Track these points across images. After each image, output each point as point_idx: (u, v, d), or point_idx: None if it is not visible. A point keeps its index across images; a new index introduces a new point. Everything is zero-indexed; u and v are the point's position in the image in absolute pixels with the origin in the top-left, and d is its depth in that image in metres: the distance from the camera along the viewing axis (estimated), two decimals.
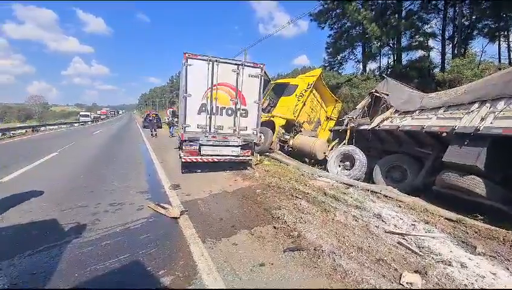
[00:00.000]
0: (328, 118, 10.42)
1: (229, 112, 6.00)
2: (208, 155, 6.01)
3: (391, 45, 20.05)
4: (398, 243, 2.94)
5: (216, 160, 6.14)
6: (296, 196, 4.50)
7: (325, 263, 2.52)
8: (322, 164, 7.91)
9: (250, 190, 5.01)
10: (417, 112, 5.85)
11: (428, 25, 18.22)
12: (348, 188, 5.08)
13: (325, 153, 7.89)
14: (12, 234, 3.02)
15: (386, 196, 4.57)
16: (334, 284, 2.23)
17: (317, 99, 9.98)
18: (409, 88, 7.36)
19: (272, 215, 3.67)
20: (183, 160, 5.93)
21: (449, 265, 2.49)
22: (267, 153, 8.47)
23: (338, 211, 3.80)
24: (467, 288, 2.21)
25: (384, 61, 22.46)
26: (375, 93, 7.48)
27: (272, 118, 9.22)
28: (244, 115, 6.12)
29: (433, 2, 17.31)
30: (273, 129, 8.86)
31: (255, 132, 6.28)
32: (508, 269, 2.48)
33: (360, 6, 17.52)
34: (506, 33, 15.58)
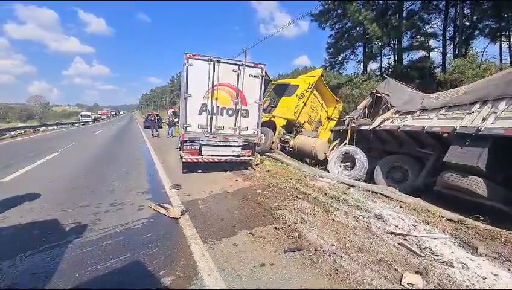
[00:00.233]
0: (328, 118, 10.40)
1: (230, 112, 6.00)
2: (208, 155, 6.01)
3: (392, 45, 20.06)
4: (399, 243, 2.93)
5: (217, 160, 6.14)
6: (296, 197, 4.49)
7: (325, 263, 2.51)
8: (323, 164, 7.90)
9: (250, 190, 5.01)
10: (418, 112, 5.83)
11: (429, 25, 18.25)
12: (349, 188, 5.07)
13: (325, 153, 7.88)
14: (13, 233, 3.03)
15: (387, 197, 4.56)
16: (335, 284, 2.22)
17: (318, 100, 9.97)
18: (410, 88, 7.35)
19: (273, 215, 3.67)
20: (184, 160, 5.93)
21: (450, 266, 2.48)
22: (268, 153, 8.47)
23: (339, 212, 3.80)
24: (468, 289, 2.20)
25: (385, 61, 22.49)
26: (376, 94, 7.47)
27: (272, 118, 9.22)
28: (244, 115, 6.12)
29: (434, 2, 17.31)
30: (274, 129, 8.86)
31: (255, 132, 6.28)
32: (509, 269, 2.47)
33: (361, 7, 17.52)
34: (507, 33, 15.54)
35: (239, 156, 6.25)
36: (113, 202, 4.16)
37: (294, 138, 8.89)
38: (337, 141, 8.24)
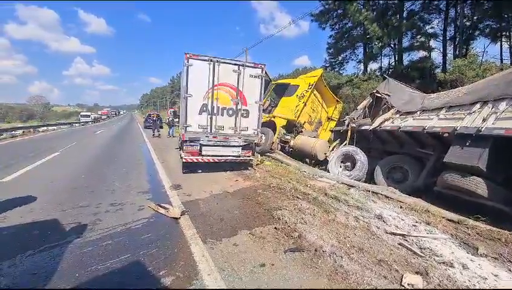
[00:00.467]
0: (329, 119, 10.40)
1: (230, 112, 6.00)
2: (208, 155, 6.01)
3: (392, 45, 20.04)
4: (399, 244, 2.93)
5: (217, 160, 6.15)
6: (296, 197, 4.49)
7: (325, 263, 2.51)
8: (323, 164, 7.89)
9: (251, 190, 5.01)
10: (418, 112, 5.83)
11: (430, 26, 18.23)
12: (349, 188, 5.07)
13: (326, 153, 7.87)
14: (13, 233, 3.03)
15: (387, 197, 4.55)
16: (335, 285, 2.22)
17: (318, 100, 9.96)
18: (410, 89, 7.34)
19: (273, 215, 3.67)
20: (184, 160, 5.94)
21: (451, 266, 2.48)
22: (268, 154, 8.47)
23: (339, 212, 3.79)
24: (468, 289, 2.19)
25: (385, 61, 22.48)
26: (377, 94, 7.47)
27: (272, 119, 9.22)
28: (245, 115, 6.12)
29: (435, 2, 17.30)
30: (274, 130, 8.86)
31: (256, 132, 6.27)
32: (510, 270, 2.47)
33: (361, 7, 17.51)
34: (508, 33, 15.52)
35: (239, 156, 6.26)
36: (113, 202, 4.16)
37: (294, 138, 8.89)
38: (337, 141, 8.23)
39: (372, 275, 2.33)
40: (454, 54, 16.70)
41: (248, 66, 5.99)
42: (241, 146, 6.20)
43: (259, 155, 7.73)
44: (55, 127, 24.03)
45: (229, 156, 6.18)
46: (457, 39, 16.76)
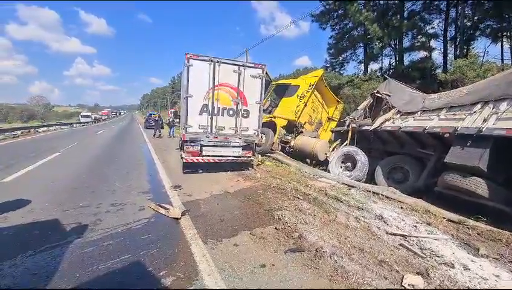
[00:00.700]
0: (329, 119, 10.40)
1: (231, 112, 6.01)
2: (209, 156, 6.02)
3: (393, 45, 20.01)
4: (400, 244, 2.92)
5: (217, 160, 6.15)
6: (297, 197, 4.49)
7: (326, 264, 2.51)
8: (324, 164, 7.89)
9: (251, 190, 5.01)
10: (419, 112, 5.82)
11: (431, 26, 18.21)
12: (350, 189, 5.06)
13: (326, 154, 7.87)
14: (14, 234, 3.04)
15: (388, 197, 4.54)
16: (335, 285, 2.22)
17: (318, 100, 9.96)
18: (411, 89, 7.33)
19: (273, 216, 3.67)
20: (185, 160, 5.94)
21: (452, 267, 2.47)
22: (269, 154, 8.47)
23: (339, 212, 3.79)
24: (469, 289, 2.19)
25: (386, 61, 22.47)
26: (377, 94, 7.45)
27: (273, 119, 9.22)
28: (245, 115, 6.12)
29: (435, 2, 17.28)
30: (275, 130, 8.86)
31: (256, 132, 6.28)
32: (511, 271, 2.46)
33: (362, 7, 17.51)
34: (509, 33, 15.49)
35: (240, 157, 6.26)
36: (114, 202, 4.17)
37: (294, 138, 8.89)
38: (337, 142, 8.22)
39: (373, 275, 2.33)
40: (455, 54, 16.67)
41: (248, 67, 5.99)
42: (241, 146, 6.20)
43: (259, 155, 7.73)
44: (56, 128, 24.07)
45: (230, 156, 6.19)
46: (458, 39, 16.73)
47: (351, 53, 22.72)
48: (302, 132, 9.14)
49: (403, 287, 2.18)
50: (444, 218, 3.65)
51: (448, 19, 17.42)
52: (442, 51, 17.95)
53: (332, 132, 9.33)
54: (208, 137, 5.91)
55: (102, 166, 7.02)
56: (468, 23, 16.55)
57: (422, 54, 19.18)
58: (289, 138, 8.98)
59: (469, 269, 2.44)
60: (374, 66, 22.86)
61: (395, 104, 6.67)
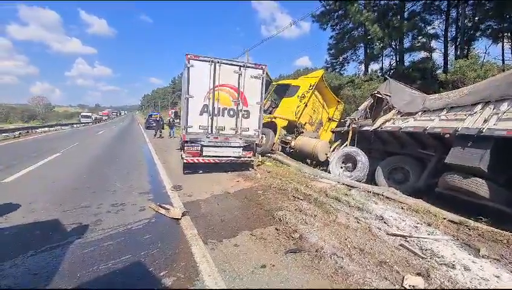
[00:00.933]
0: (330, 119, 10.39)
1: (231, 113, 6.01)
2: (209, 156, 6.02)
3: (393, 46, 20.00)
4: (400, 245, 2.92)
5: (218, 161, 6.16)
6: (297, 197, 4.49)
7: (326, 265, 2.51)
8: (324, 165, 7.88)
9: (251, 191, 5.01)
10: (419, 113, 5.82)
11: (431, 26, 18.18)
12: (350, 189, 5.06)
13: (326, 154, 7.86)
14: (15, 234, 3.05)
15: (388, 198, 4.54)
16: (336, 286, 2.22)
17: (319, 101, 9.96)
18: (412, 89, 7.33)
19: (274, 216, 3.67)
20: (185, 161, 5.95)
21: (452, 268, 2.47)
22: (269, 154, 8.47)
23: (340, 213, 3.79)
24: None
25: (386, 62, 22.42)
26: (378, 95, 7.45)
27: (273, 119, 9.22)
28: (246, 116, 6.13)
29: (436, 3, 17.27)
30: (275, 130, 8.86)
31: (256, 132, 6.28)
32: None
33: (362, 8, 17.50)
34: (509, 34, 15.47)
35: (240, 157, 6.26)
36: (115, 202, 4.17)
37: (295, 138, 8.88)
38: (338, 142, 8.22)
39: (373, 276, 2.32)
40: (456, 54, 16.64)
41: (249, 67, 6.00)
42: (242, 147, 6.21)
43: (260, 156, 7.73)
44: (56, 128, 24.10)
45: (230, 156, 6.19)
46: (459, 40, 16.70)
47: (352, 53, 22.69)
48: (302, 133, 9.14)
49: (404, 288, 2.18)
50: (444, 219, 3.64)
51: (449, 20, 17.40)
52: (443, 52, 17.95)
53: (332, 132, 9.33)
54: (209, 137, 5.92)
55: (102, 166, 7.03)
56: (469, 24, 16.52)
57: (423, 54, 19.19)
58: (289, 138, 8.98)
59: (470, 270, 2.44)
60: (374, 67, 22.86)
61: (395, 104, 6.67)
